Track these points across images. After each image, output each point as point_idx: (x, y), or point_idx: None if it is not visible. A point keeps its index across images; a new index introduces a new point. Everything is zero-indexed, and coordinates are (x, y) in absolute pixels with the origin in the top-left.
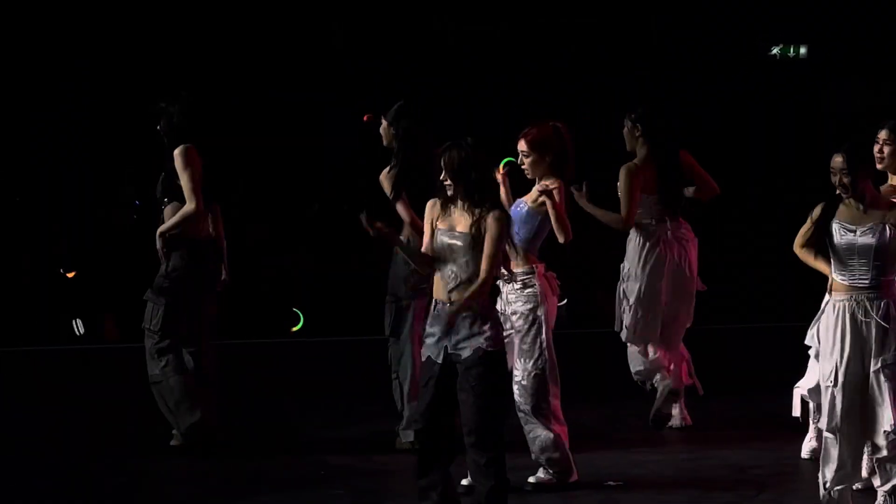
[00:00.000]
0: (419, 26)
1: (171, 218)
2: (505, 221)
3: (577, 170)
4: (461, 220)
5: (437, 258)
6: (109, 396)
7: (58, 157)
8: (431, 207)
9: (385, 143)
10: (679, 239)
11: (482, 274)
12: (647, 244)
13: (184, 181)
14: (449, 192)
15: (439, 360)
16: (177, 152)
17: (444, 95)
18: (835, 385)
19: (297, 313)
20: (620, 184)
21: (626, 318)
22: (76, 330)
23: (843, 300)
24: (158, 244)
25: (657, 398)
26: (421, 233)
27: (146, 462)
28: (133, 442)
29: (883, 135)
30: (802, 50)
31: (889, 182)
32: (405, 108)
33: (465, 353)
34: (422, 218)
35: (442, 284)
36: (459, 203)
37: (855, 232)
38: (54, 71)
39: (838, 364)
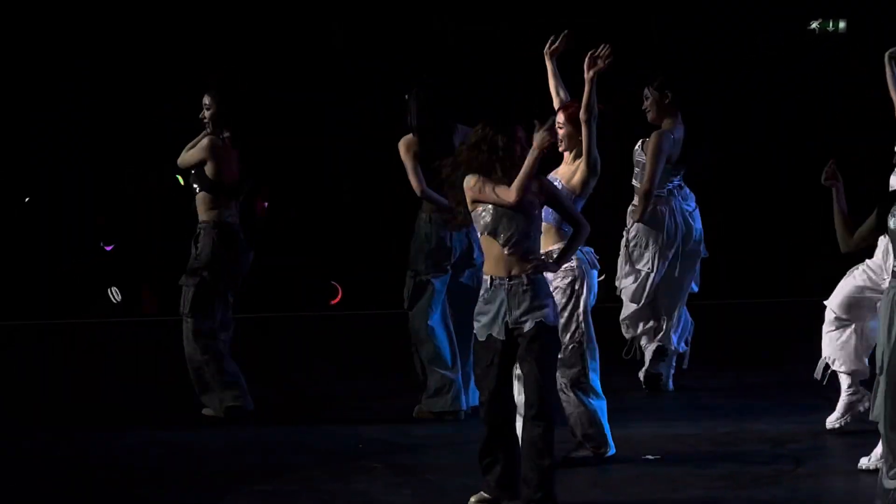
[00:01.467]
0: (419, 26)
1: (202, 204)
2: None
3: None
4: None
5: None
6: (148, 369)
7: (58, 156)
8: (474, 183)
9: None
10: (686, 207)
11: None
12: (660, 211)
13: (210, 171)
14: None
15: (502, 337)
16: (205, 143)
17: (443, 95)
18: (881, 373)
19: (336, 286)
20: (651, 149)
21: (628, 281)
22: (112, 298)
23: (894, 286)
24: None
25: (646, 362)
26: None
27: (183, 433)
28: (169, 414)
29: None
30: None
31: None
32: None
33: (528, 327)
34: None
35: (496, 260)
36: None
37: None
38: (54, 71)
39: (884, 351)
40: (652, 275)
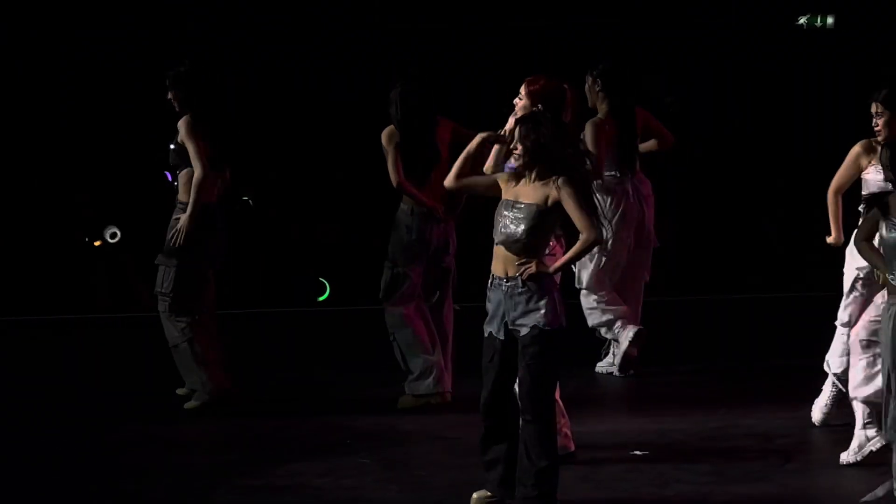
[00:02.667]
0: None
1: (184, 184)
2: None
3: None
4: (527, 192)
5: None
6: (137, 364)
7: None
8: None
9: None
10: (639, 194)
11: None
12: (611, 197)
13: (190, 149)
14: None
15: (501, 336)
16: (181, 123)
17: (427, 89)
18: (889, 393)
19: (324, 282)
20: (587, 138)
21: (588, 268)
22: (108, 239)
23: (893, 304)
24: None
25: (621, 344)
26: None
27: (170, 428)
28: (158, 408)
29: (873, 108)
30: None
31: None
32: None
33: (523, 331)
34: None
35: (501, 259)
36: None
37: None
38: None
39: (890, 372)
40: (603, 254)
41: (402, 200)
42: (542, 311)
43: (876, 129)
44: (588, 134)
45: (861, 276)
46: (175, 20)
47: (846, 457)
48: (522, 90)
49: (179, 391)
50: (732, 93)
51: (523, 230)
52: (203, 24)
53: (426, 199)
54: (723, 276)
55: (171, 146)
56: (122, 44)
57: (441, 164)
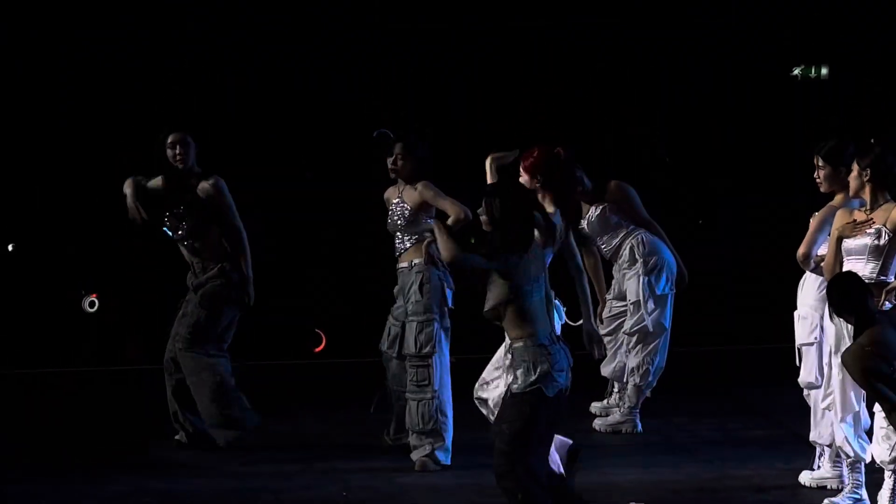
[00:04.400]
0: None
1: (215, 243)
2: None
3: None
4: None
5: None
6: (131, 417)
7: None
8: None
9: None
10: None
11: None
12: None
13: (231, 206)
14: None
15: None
16: (213, 184)
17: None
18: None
19: (320, 334)
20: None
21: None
22: (86, 308)
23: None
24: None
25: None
26: None
27: (168, 482)
28: (155, 462)
29: (815, 161)
30: (824, 71)
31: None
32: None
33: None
34: None
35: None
36: None
37: None
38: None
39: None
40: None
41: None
42: (514, 374)
43: (817, 181)
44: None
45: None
46: (175, 20)
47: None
48: (520, 167)
49: (177, 438)
50: (732, 93)
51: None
52: (203, 24)
53: None
54: (720, 325)
55: (191, 209)
56: (122, 44)
57: None
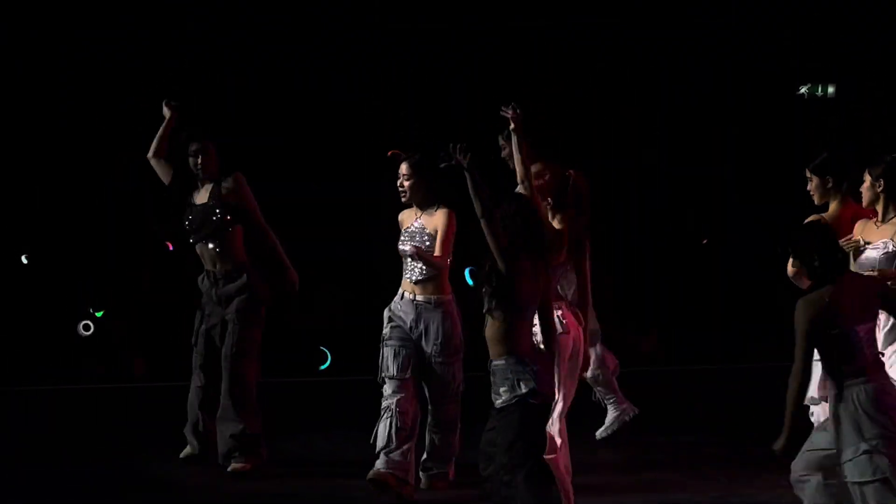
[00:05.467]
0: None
1: (239, 244)
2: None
3: None
4: None
5: None
6: (134, 435)
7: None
8: None
9: None
10: None
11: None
12: None
13: (253, 206)
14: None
15: None
16: (233, 181)
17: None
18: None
19: (325, 352)
20: None
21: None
22: (81, 332)
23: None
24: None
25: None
26: None
27: (175, 499)
28: (158, 480)
29: (806, 173)
30: (831, 89)
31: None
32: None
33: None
34: None
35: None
36: None
37: None
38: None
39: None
40: None
41: (444, 291)
42: (496, 390)
43: (811, 192)
44: None
45: None
46: (175, 20)
47: None
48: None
49: (183, 454)
50: (732, 93)
51: None
52: (203, 24)
53: None
54: (726, 344)
55: (214, 208)
56: (122, 44)
57: None
